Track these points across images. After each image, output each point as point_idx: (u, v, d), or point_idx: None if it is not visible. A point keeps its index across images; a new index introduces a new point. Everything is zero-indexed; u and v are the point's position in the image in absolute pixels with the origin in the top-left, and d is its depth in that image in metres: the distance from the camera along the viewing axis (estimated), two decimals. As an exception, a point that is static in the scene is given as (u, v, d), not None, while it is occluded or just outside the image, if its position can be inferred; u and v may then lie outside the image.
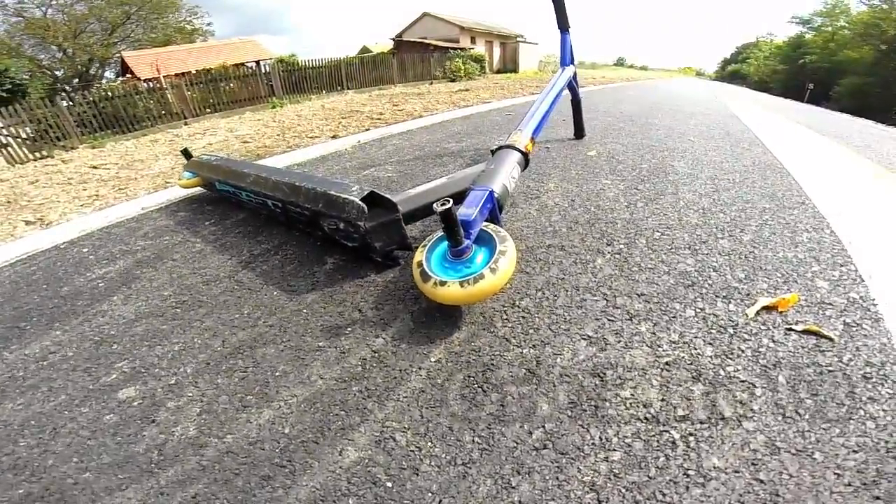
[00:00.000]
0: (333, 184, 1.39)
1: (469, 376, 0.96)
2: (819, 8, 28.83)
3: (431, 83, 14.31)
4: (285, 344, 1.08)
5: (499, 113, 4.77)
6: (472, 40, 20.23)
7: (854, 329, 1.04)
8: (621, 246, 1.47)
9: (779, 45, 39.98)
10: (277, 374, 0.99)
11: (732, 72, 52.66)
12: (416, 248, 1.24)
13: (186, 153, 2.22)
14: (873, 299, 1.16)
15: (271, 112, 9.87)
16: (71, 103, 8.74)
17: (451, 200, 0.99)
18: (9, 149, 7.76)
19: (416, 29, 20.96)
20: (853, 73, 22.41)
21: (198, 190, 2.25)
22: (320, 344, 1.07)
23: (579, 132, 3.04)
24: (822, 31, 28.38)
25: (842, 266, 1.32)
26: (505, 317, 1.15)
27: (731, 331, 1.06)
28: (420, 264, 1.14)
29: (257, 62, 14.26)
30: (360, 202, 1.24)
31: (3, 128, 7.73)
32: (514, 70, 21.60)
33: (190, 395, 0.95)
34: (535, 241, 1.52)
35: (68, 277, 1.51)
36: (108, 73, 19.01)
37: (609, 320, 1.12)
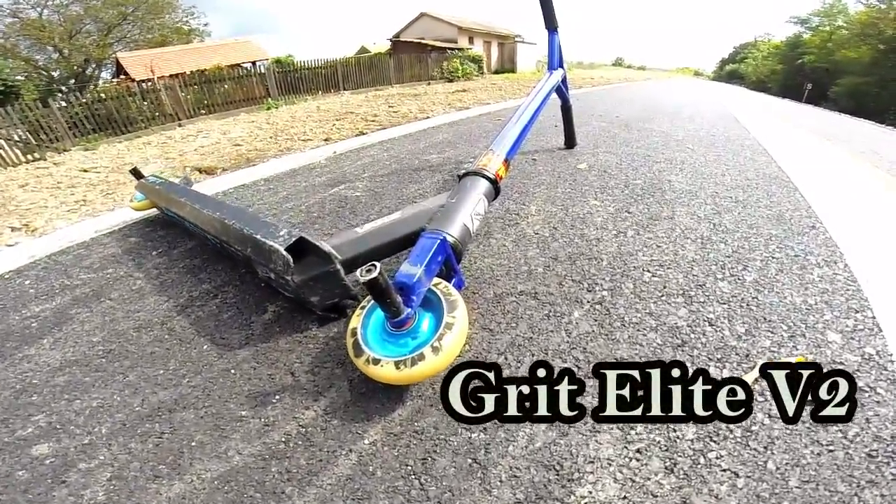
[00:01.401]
0: (262, 224, 1.16)
1: (406, 465, 0.79)
2: (817, 8, 28.43)
3: (429, 83, 14.05)
4: (206, 409, 0.93)
5: (489, 118, 4.51)
6: (470, 40, 19.90)
7: (866, 395, 0.86)
8: (604, 292, 1.24)
9: (777, 44, 39.60)
10: (194, 443, 0.87)
11: (730, 72, 52.34)
12: (357, 307, 1.03)
13: (136, 173, 1.95)
14: (891, 355, 0.96)
15: (266, 113, 9.64)
16: (67, 104, 8.52)
17: (378, 266, 0.77)
18: (0, 151, 7.56)
19: (414, 29, 20.63)
20: (851, 73, 22.01)
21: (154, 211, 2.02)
22: (243, 413, 0.92)
23: (570, 141, 2.79)
24: (819, 31, 27.96)
25: (857, 312, 1.11)
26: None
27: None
28: (354, 332, 0.93)
29: (253, 63, 14.00)
30: (284, 252, 1.02)
31: (-7, 130, 7.53)
32: (512, 70, 21.30)
33: (102, 457, 0.86)
34: (506, 286, 1.29)
35: (4, 314, 1.36)
36: (105, 74, 18.71)
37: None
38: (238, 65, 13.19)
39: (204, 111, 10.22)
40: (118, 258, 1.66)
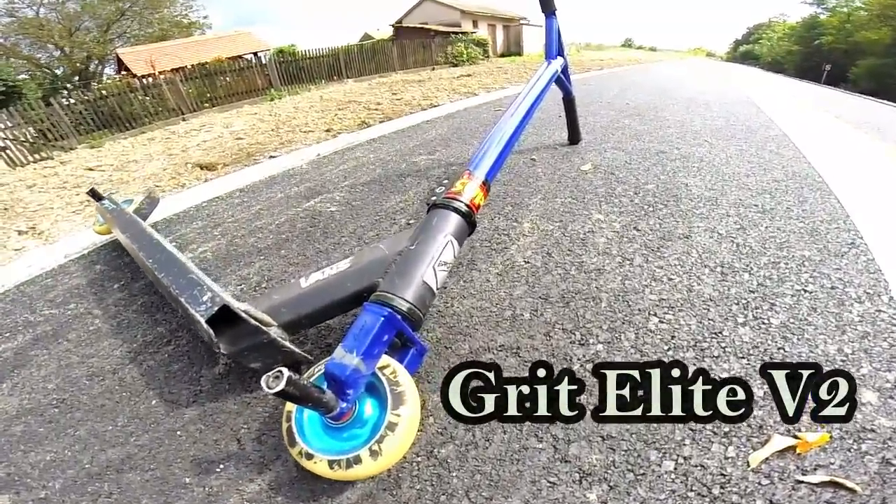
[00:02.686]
0: (189, 284, 0.98)
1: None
2: (834, -11, 27.16)
3: (433, 69, 13.61)
4: (152, 473, 0.87)
5: (488, 108, 4.18)
6: (475, 24, 19.19)
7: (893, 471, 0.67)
8: (599, 346, 1.00)
9: (792, 25, 38.17)
10: (141, 507, 0.78)
11: (744, 53, 50.55)
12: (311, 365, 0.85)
13: (94, 194, 1.73)
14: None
15: (269, 105, 9.42)
16: (73, 101, 8.39)
17: (286, 373, 0.59)
18: (7, 152, 7.50)
19: (417, 14, 19.94)
20: (871, 54, 20.90)
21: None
22: (188, 479, 0.84)
23: (574, 136, 2.51)
24: (837, 12, 26.62)
25: (901, 364, 0.87)
26: (415, 472, 0.76)
27: (716, 491, 0.67)
28: (289, 417, 0.76)
29: (255, 54, 13.68)
30: (206, 326, 0.85)
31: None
32: (519, 53, 20.61)
33: (57, 514, 0.78)
34: (484, 339, 1.05)
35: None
36: (108, 70, 18.47)
37: (550, 483, 0.72)
38: (240, 56, 12.90)
39: (207, 104, 10.02)
40: (81, 291, 1.52)
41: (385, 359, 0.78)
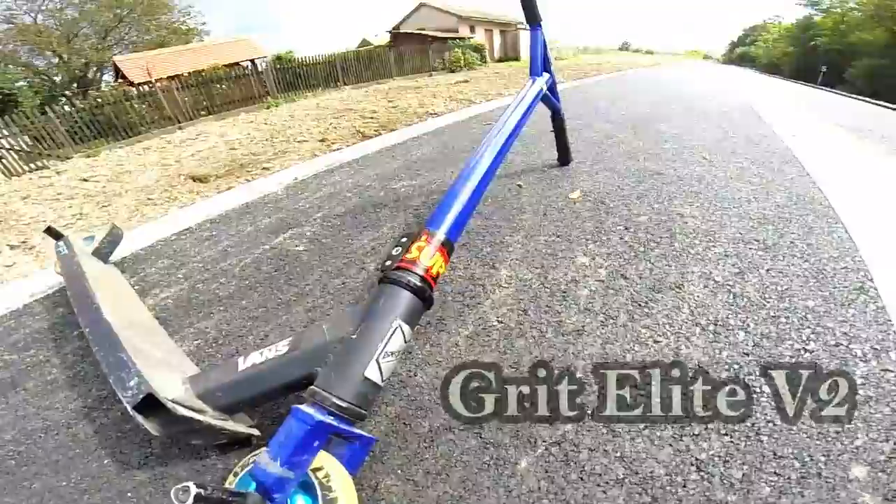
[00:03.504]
0: (117, 364, 0.87)
1: None
2: (826, -11, 27.11)
3: (430, 75, 13.51)
4: None
5: (478, 122, 4.03)
6: (472, 29, 19.08)
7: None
8: (567, 427, 0.85)
9: (787, 27, 38.19)
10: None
11: (741, 54, 50.61)
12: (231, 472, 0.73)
13: (52, 233, 1.55)
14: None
15: (265, 113, 9.31)
16: (71, 107, 8.28)
17: (191, 489, 0.51)
18: (3, 161, 7.40)
19: (414, 20, 19.83)
20: (867, 54, 20.78)
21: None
22: None
23: (564, 157, 2.35)
24: (831, 13, 26.58)
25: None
26: None
27: None
28: None
29: (252, 61, 13.58)
30: (132, 411, 0.77)
31: (-7, 140, 7.35)
32: (516, 58, 20.52)
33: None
34: (445, 416, 0.91)
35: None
36: (107, 77, 18.34)
37: None
38: (237, 64, 12.80)
39: (204, 112, 9.91)
40: (43, 335, 1.40)
41: (321, 457, 0.67)
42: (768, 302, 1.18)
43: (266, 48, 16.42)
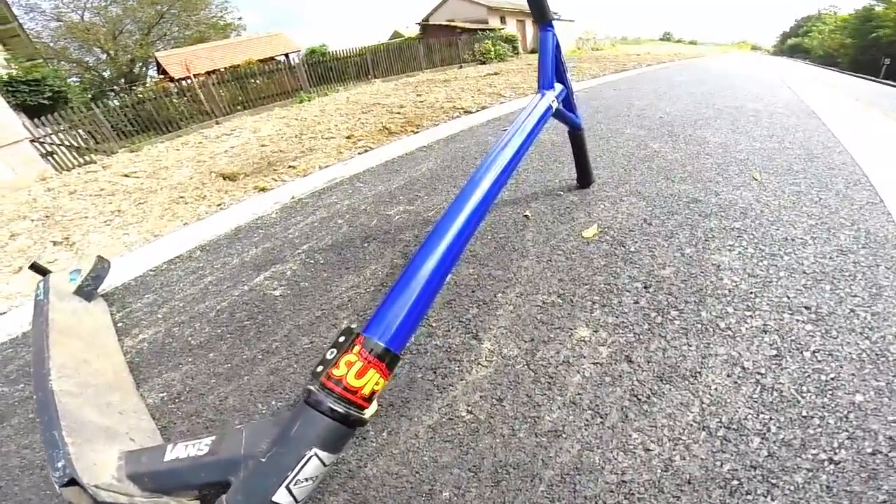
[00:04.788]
0: (50, 442, 0.82)
1: None
2: (889, -20, 24.46)
3: (461, 67, 13.11)
4: None
5: (493, 127, 3.66)
6: (502, 20, 18.37)
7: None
8: None
9: (844, 17, 35.07)
10: None
11: (793, 46, 46.79)
12: None
13: (38, 269, 1.44)
14: None
15: (298, 108, 9.33)
16: (120, 102, 8.58)
17: None
18: (55, 157, 7.77)
19: (443, 11, 19.30)
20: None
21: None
22: None
23: (584, 178, 1.97)
24: (894, 4, 24.02)
25: None
26: None
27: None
28: None
29: (286, 55, 13.65)
30: (59, 489, 0.74)
31: (46, 136, 7.72)
32: (550, 50, 19.69)
33: None
34: None
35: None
36: (152, 72, 19.04)
37: None
38: (272, 58, 12.91)
39: (240, 107, 10.04)
40: (24, 374, 1.33)
41: None
42: (804, 397, 0.88)
43: (299, 42, 16.52)
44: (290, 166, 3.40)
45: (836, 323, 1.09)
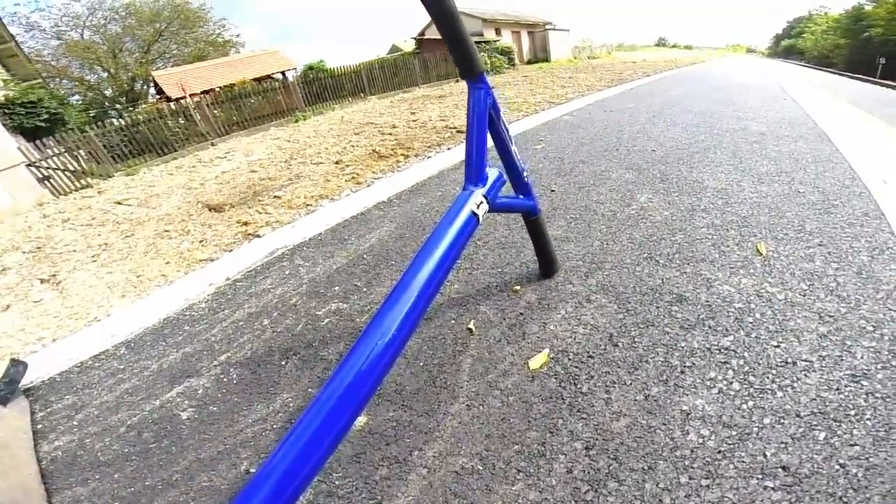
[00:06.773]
0: None
1: None
2: (876, -22, 24.00)
3: (457, 81, 12.85)
4: None
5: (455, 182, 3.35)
6: (497, 31, 18.10)
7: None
8: None
9: (836, 18, 34.69)
10: None
11: (787, 47, 46.24)
12: None
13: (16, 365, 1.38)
14: None
15: (293, 127, 9.11)
16: (119, 123, 8.36)
17: None
18: (51, 181, 7.56)
19: (441, 25, 19.16)
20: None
21: None
22: None
23: (547, 267, 1.59)
24: (883, 2, 23.45)
25: None
26: None
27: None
28: None
29: (283, 73, 13.44)
30: None
31: (42, 160, 7.51)
32: (546, 59, 19.40)
33: None
34: None
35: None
36: (152, 90, 19.03)
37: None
38: (269, 76, 12.70)
39: (236, 127, 9.81)
40: None
41: None
42: None
43: (299, 58, 16.33)
44: (275, 196, 3.36)
45: (813, 488, 0.76)
